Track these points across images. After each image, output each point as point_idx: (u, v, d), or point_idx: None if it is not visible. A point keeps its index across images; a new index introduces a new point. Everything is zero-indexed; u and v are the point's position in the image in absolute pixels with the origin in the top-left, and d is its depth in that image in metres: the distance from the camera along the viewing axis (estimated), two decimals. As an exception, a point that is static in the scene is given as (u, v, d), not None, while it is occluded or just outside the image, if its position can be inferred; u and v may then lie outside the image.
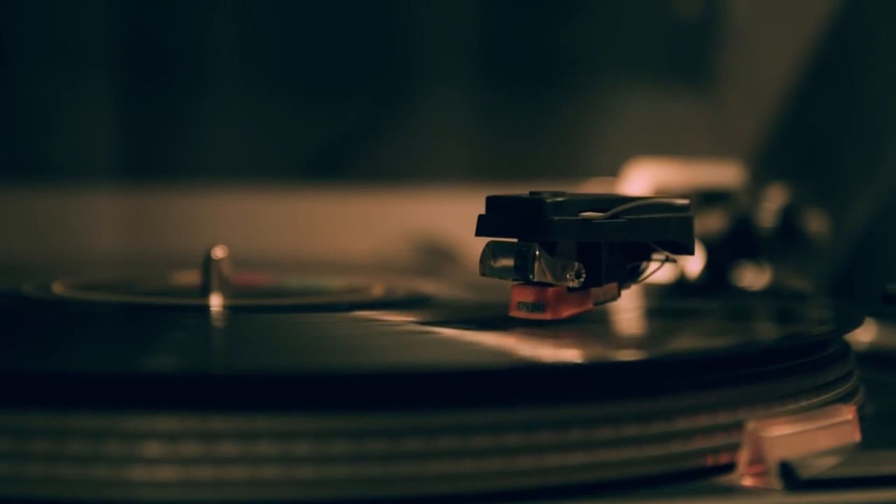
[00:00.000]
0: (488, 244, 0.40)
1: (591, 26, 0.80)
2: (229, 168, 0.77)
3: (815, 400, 0.38)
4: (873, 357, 0.52)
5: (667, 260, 0.42)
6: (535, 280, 0.39)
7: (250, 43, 0.78)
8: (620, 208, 0.40)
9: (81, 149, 0.76)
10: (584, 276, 0.40)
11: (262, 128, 0.78)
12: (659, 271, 0.42)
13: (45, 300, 0.48)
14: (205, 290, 0.47)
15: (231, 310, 0.45)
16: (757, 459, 0.34)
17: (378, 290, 0.51)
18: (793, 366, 0.38)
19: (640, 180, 0.65)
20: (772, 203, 0.61)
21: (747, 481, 0.34)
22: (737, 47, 0.79)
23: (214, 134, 0.77)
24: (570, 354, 0.36)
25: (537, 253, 0.39)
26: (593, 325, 0.41)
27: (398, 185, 0.78)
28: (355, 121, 0.79)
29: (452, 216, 0.73)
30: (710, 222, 0.61)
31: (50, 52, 0.75)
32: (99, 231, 0.75)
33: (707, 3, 0.80)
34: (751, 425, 0.34)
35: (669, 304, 0.51)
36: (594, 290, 0.40)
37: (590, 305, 0.40)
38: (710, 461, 0.34)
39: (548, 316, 0.39)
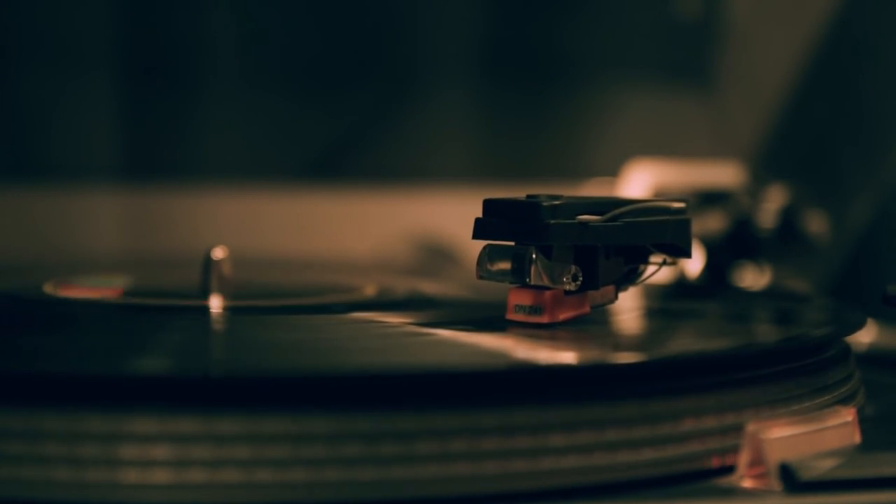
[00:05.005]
0: (485, 247, 0.40)
1: (592, 27, 0.80)
2: (229, 168, 0.77)
3: (815, 401, 0.38)
4: (873, 358, 0.52)
5: (664, 263, 0.42)
6: (532, 283, 0.39)
7: (250, 43, 0.78)
8: (617, 211, 0.39)
9: (81, 149, 0.76)
10: (580, 279, 0.40)
11: (262, 128, 0.78)
12: (658, 273, 0.42)
13: (44, 300, 0.48)
14: (204, 291, 0.47)
15: (230, 311, 0.45)
16: (757, 461, 0.34)
17: (376, 291, 0.51)
18: (793, 367, 0.38)
19: (640, 180, 0.65)
20: (772, 203, 0.61)
21: (747, 483, 0.34)
22: (737, 47, 0.79)
23: (214, 134, 0.77)
24: (568, 357, 0.36)
25: (534, 256, 0.39)
26: (592, 326, 0.41)
27: (398, 185, 0.78)
28: (356, 121, 0.79)
29: (452, 216, 0.73)
30: (710, 223, 0.61)
31: (50, 52, 0.75)
32: (99, 231, 0.75)
33: (707, 4, 0.80)
34: (751, 427, 0.34)
35: (669, 304, 0.51)
36: (591, 293, 0.40)
37: (587, 308, 0.40)
38: (710, 463, 0.34)
39: (545, 319, 0.39)
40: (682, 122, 0.81)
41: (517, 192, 0.41)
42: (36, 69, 0.75)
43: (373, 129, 0.79)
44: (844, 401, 0.39)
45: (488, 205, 0.40)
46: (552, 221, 0.38)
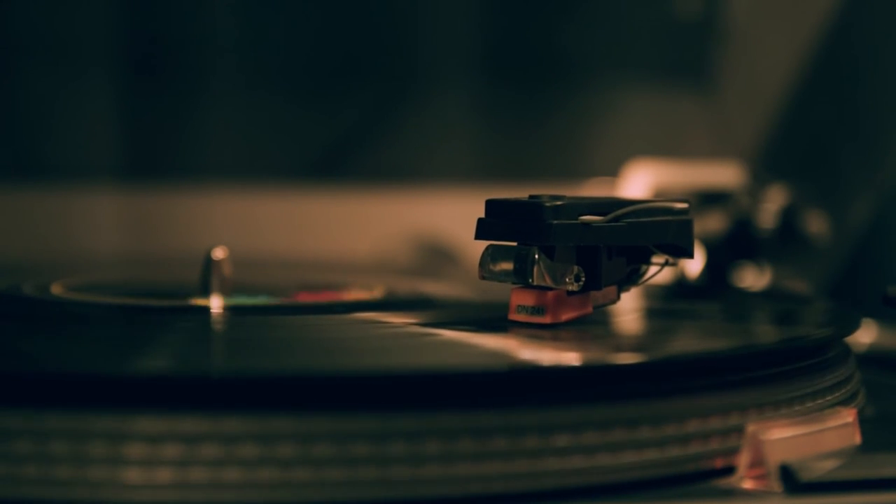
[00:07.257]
0: (488, 248, 0.40)
1: (592, 27, 0.80)
2: (229, 168, 0.77)
3: (815, 402, 0.38)
4: (874, 359, 0.52)
5: (666, 263, 0.42)
6: (535, 284, 0.39)
7: (250, 42, 0.78)
8: (619, 212, 0.39)
9: (81, 148, 0.76)
10: (583, 279, 0.40)
11: (262, 128, 0.78)
12: (660, 273, 0.42)
13: (44, 300, 0.48)
14: (205, 291, 0.47)
15: (231, 311, 0.45)
16: (757, 462, 0.34)
17: (378, 291, 0.51)
18: (793, 368, 0.38)
19: (640, 180, 0.65)
20: (772, 204, 0.61)
21: (748, 484, 0.34)
22: (737, 47, 0.79)
23: (214, 134, 0.77)
24: (569, 357, 0.36)
25: (536, 257, 0.39)
26: (593, 327, 0.41)
27: (398, 185, 0.78)
28: (356, 120, 0.79)
29: (453, 216, 0.73)
30: (710, 223, 0.61)
31: (49, 52, 0.75)
32: (99, 231, 0.75)
33: (707, 3, 0.80)
34: (751, 428, 0.34)
35: (669, 305, 0.51)
36: (593, 293, 0.40)
37: (589, 309, 0.40)
38: (710, 464, 0.34)
39: (547, 319, 0.39)
40: (682, 122, 0.81)
41: (517, 192, 0.41)
42: (36, 68, 0.75)
43: (373, 129, 0.79)
44: (845, 402, 0.39)
45: (491, 205, 0.40)
46: (555, 222, 0.38)
